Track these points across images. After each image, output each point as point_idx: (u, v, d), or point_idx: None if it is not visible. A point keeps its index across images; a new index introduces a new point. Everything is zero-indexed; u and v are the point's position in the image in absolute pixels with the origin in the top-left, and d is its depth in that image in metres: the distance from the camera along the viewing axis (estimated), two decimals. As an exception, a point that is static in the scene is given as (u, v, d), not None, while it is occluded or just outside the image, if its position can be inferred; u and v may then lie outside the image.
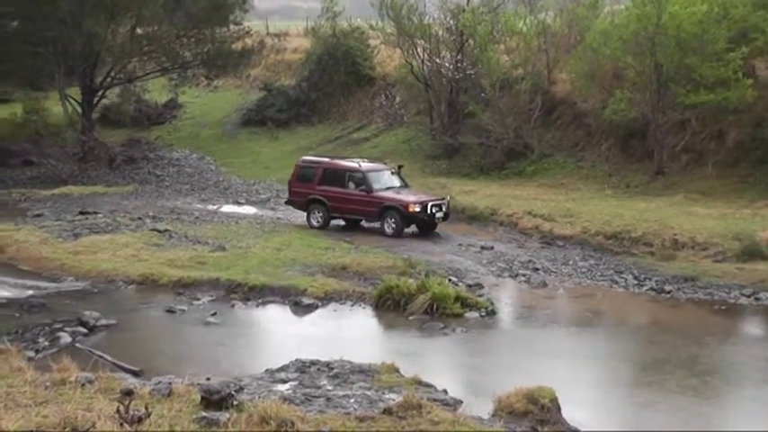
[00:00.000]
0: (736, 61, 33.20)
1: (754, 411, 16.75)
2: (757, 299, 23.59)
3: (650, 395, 17.56)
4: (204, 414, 11.27)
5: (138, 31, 46.63)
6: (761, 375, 18.68)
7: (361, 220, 31.68)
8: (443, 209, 30.62)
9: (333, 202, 31.27)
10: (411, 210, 30.01)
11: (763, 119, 34.46)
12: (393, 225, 30.24)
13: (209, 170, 44.07)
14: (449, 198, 31.49)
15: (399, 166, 33.52)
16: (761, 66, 36.09)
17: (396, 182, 32.02)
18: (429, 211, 30.17)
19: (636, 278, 25.71)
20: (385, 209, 30.38)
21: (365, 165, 32.25)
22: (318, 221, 31.54)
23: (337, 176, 31.58)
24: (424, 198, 30.71)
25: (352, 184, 31.16)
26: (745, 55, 33.59)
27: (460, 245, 29.00)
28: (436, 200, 30.77)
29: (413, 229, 30.68)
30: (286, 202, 33.56)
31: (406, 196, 30.64)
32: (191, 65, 48.03)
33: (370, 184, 30.99)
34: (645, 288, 24.97)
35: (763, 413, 16.57)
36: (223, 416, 11.24)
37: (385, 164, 34.19)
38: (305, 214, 32.16)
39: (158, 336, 21.05)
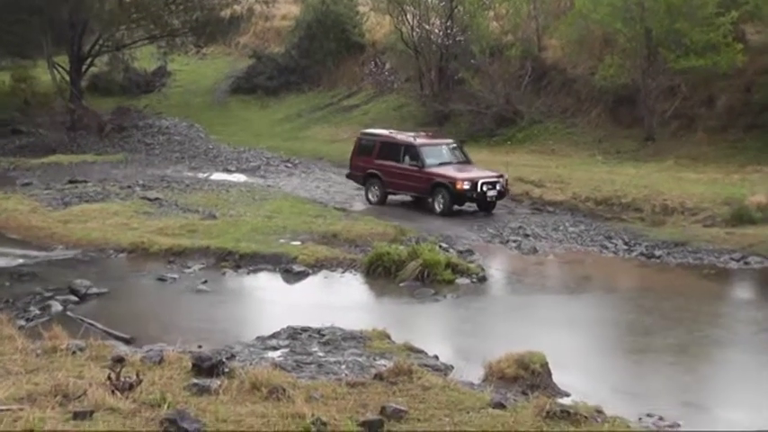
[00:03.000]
0: (725, 26, 33.14)
1: (740, 374, 16.84)
2: (746, 263, 23.68)
3: (640, 360, 17.65)
4: (195, 381, 11.28)
5: (126, -2, 46.35)
6: (749, 339, 18.78)
7: (419, 197, 29.99)
8: (497, 187, 28.88)
9: (388, 177, 30.11)
10: (459, 187, 28.44)
11: (752, 84, 34.46)
12: (441, 203, 28.93)
13: (199, 138, 43.92)
14: (506, 176, 29.63)
15: (462, 141, 32.06)
16: (750, 30, 36.03)
17: (456, 157, 30.45)
18: (480, 190, 28.53)
19: (626, 243, 25.78)
20: (435, 186, 28.97)
21: (420, 139, 30.67)
22: (376, 197, 30.48)
23: (393, 150, 30.28)
24: (475, 175, 28.96)
25: (407, 159, 29.78)
26: (735, 19, 33.53)
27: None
28: (489, 177, 28.98)
29: (474, 207, 29.34)
30: (347, 176, 32.23)
31: (458, 173, 28.98)
32: (179, 32, 47.72)
33: (423, 158, 29.45)
34: (635, 253, 25.04)
35: (748, 376, 16.66)
36: (214, 383, 11.25)
37: (450, 139, 32.46)
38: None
39: (149, 304, 21.04)
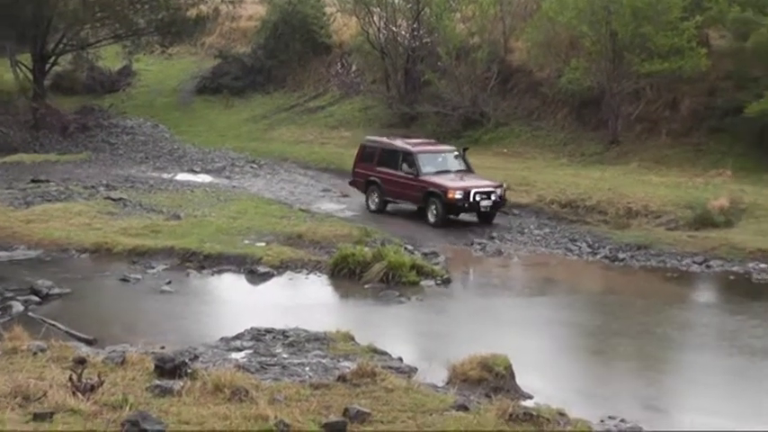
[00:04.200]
0: (690, 30, 33.38)
1: (702, 377, 16.99)
2: (708, 266, 23.87)
3: (603, 362, 17.75)
4: (158, 382, 11.22)
5: (91, -4, 45.95)
6: (710, 342, 18.95)
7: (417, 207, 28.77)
8: (493, 197, 27.69)
9: (386, 184, 29.22)
10: (451, 196, 27.36)
11: (716, 88, 34.73)
12: (434, 213, 27.88)
13: (164, 138, 43.67)
14: (504, 186, 28.48)
15: (464, 149, 30.48)
16: (714, 35, 36.32)
17: (457, 165, 29.30)
18: (472, 199, 27.42)
19: (590, 246, 25.91)
20: (428, 195, 27.95)
21: (418, 146, 29.75)
22: (375, 204, 29.61)
23: (392, 158, 29.34)
24: (469, 184, 27.77)
25: (405, 166, 28.77)
26: (699, 24, 33.77)
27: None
28: (484, 187, 27.84)
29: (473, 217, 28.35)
30: (349, 183, 31.21)
31: (451, 182, 27.91)
32: (145, 32, 47.36)
33: (419, 166, 28.43)
34: (599, 256, 25.18)
35: (709, 379, 16.80)
36: (177, 384, 11.20)
37: (454, 146, 31.29)
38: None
39: (112, 304, 20.93)
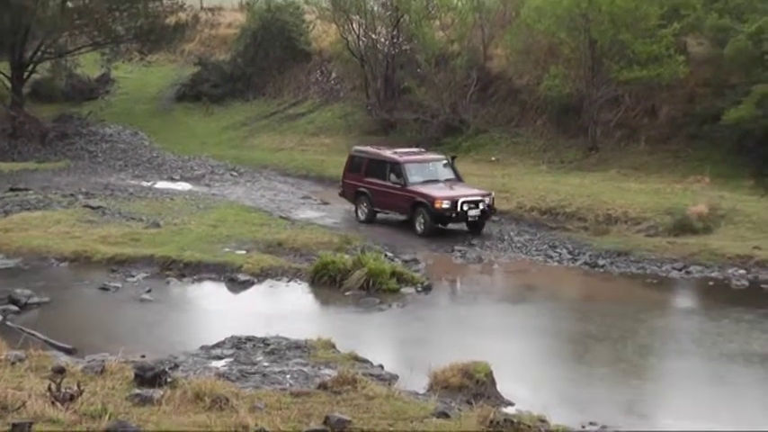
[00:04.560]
0: (668, 37, 33.52)
1: (682, 383, 17.07)
2: (688, 272, 23.96)
3: (584, 368, 17.78)
4: (138, 391, 11.17)
5: (69, 4, 45.70)
6: (690, 347, 19.01)
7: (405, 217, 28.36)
8: (481, 206, 27.38)
9: (375, 195, 28.88)
10: (438, 206, 26.98)
11: (694, 95, 34.89)
12: (422, 223, 27.47)
13: (143, 146, 43.55)
14: (492, 194, 28.13)
15: (453, 157, 30.18)
16: (692, 42, 36.49)
17: (446, 174, 28.91)
18: (459, 209, 27.05)
19: (570, 253, 25.97)
20: (416, 205, 27.58)
21: (405, 156, 29.20)
22: (364, 215, 29.21)
23: (380, 168, 28.99)
24: (456, 194, 27.42)
25: (393, 176, 28.39)
26: (677, 31, 33.92)
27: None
28: (472, 196, 27.55)
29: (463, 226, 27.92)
30: (339, 194, 30.81)
31: (438, 191, 27.52)
32: (123, 39, 47.22)
33: (407, 176, 28.05)
34: (579, 262, 25.24)
35: (689, 384, 16.89)
36: (157, 393, 11.15)
37: (443, 155, 30.92)
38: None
39: (92, 313, 20.82)
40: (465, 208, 27.13)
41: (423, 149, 31.90)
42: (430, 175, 28.64)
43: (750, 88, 30.95)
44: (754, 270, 23.71)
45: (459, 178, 28.98)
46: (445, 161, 29.51)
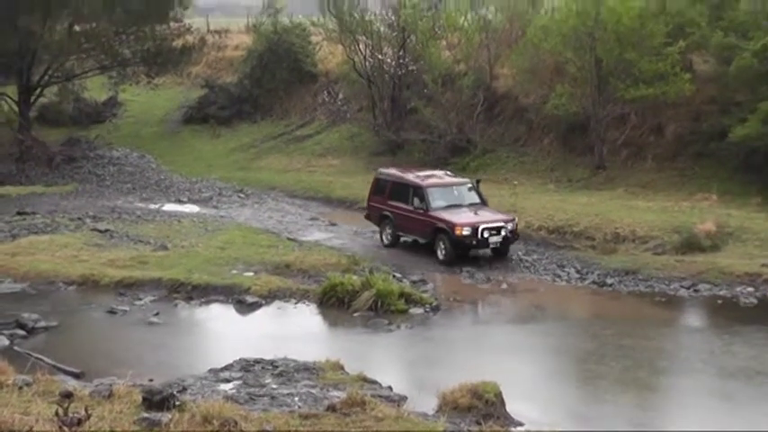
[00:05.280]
0: (673, 56, 33.55)
1: (690, 400, 17.01)
2: (696, 290, 23.88)
3: (593, 387, 17.72)
4: (146, 415, 11.16)
5: (76, 28, 45.94)
6: (699, 365, 18.94)
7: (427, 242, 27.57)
8: (503, 233, 26.63)
9: (398, 219, 28.27)
10: (459, 233, 26.24)
11: (700, 113, 34.87)
12: (443, 249, 26.76)
13: (151, 168, 43.66)
14: (516, 220, 27.49)
15: (477, 181, 29.25)
16: (698, 60, 36.50)
17: (470, 198, 28.15)
18: (480, 236, 26.37)
19: (578, 272, 25.91)
20: (437, 230, 26.87)
21: (428, 179, 28.52)
22: (388, 239, 28.70)
23: (403, 191, 28.32)
24: (477, 220, 26.64)
25: (416, 200, 27.67)
26: (683, 49, 33.96)
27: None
28: (494, 222, 26.73)
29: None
30: (365, 217, 30.28)
31: (460, 217, 26.77)
32: (130, 62, 47.41)
33: (429, 201, 27.37)
34: (587, 281, 25.18)
35: (697, 402, 16.83)
36: (165, 416, 11.13)
37: (468, 178, 30.00)
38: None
39: (100, 337, 20.82)
40: (486, 235, 26.45)
41: (449, 172, 30.99)
42: (454, 200, 27.91)
43: (756, 105, 30.91)
44: (763, 288, 23.62)
45: (483, 202, 28.21)
46: (470, 185, 28.68)
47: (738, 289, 23.66)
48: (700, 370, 18.71)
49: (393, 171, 30.22)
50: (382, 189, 29.25)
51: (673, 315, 22.88)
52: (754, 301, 23.03)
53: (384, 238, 28.89)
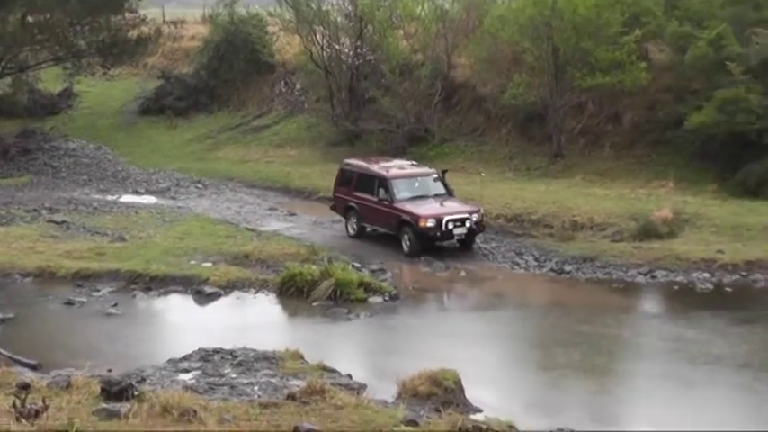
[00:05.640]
0: (629, 45, 33.74)
1: (648, 387, 17.17)
2: (653, 277, 24.09)
3: (552, 374, 17.84)
4: (104, 405, 11.10)
5: (30, 19, 45.41)
6: (656, 352, 19.14)
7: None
8: (467, 224, 26.25)
9: (363, 211, 27.90)
10: (423, 225, 25.92)
11: (656, 101, 35.12)
12: (408, 241, 26.32)
13: (107, 160, 43.26)
14: (481, 211, 27.11)
15: (444, 171, 28.81)
16: (654, 49, 36.73)
17: (436, 189, 27.75)
18: (444, 228, 26.06)
19: (536, 259, 26.03)
20: (401, 223, 26.50)
21: (393, 170, 28.12)
22: (354, 230, 28.22)
23: (368, 183, 27.91)
24: (442, 211, 26.31)
25: (381, 191, 27.28)
26: (639, 38, 34.15)
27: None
28: (458, 213, 26.39)
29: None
30: (330, 208, 29.79)
31: (424, 209, 26.44)
32: (85, 54, 46.84)
33: (393, 192, 26.98)
34: (545, 269, 25.30)
35: (654, 388, 16.98)
36: (124, 407, 11.08)
37: (434, 169, 29.42)
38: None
39: (57, 328, 20.66)
40: (450, 227, 26.10)
41: (415, 162, 30.81)
42: (420, 191, 27.57)
43: (711, 93, 31.16)
44: (719, 273, 23.89)
45: (449, 193, 27.80)
46: (436, 175, 28.33)
47: (695, 275, 23.91)
48: (657, 355, 18.92)
49: (359, 162, 29.84)
50: (348, 180, 28.92)
51: (630, 302, 23.09)
52: (710, 286, 23.29)
53: (349, 229, 28.60)
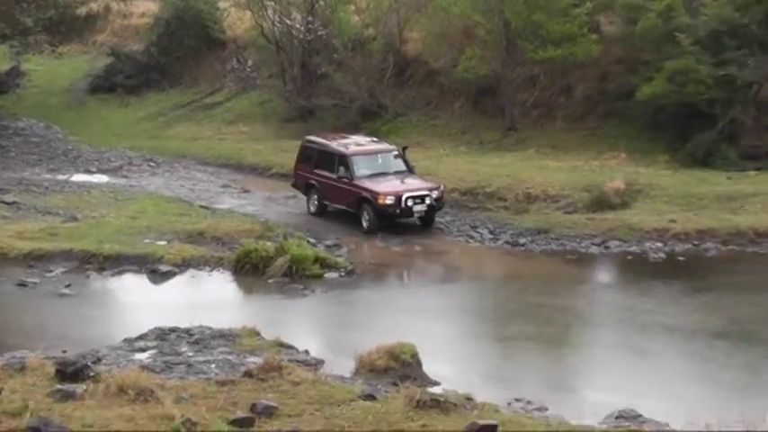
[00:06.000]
0: (581, 17, 33.86)
1: (602, 356, 17.37)
2: (606, 247, 24.30)
3: (508, 346, 17.97)
4: (59, 387, 11.03)
5: (-25, -4, 44.75)
6: (610, 321, 19.36)
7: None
8: (428, 201, 26.06)
9: (324, 188, 27.63)
10: (381, 202, 25.71)
11: (608, 73, 35.30)
12: (367, 219, 26.09)
13: (58, 139, 42.74)
14: (441, 188, 26.82)
15: (404, 148, 28.45)
16: (604, 21, 36.88)
17: (397, 166, 27.49)
18: (404, 205, 25.83)
19: (491, 232, 26.13)
20: (361, 200, 26.28)
21: (353, 147, 27.83)
22: (315, 207, 27.89)
23: (329, 160, 27.62)
24: (401, 188, 26.11)
25: (341, 169, 27.01)
26: (590, 11, 34.27)
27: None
28: (418, 190, 26.24)
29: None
30: (292, 185, 29.43)
31: (383, 186, 26.21)
32: (32, 31, 46.22)
33: (354, 169, 26.70)
34: (500, 242, 25.42)
35: (609, 357, 17.19)
36: (79, 388, 11.03)
37: (395, 146, 29.01)
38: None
39: (10, 310, 20.42)
40: (410, 204, 25.91)
41: (376, 139, 30.48)
42: (380, 168, 27.32)
43: (661, 64, 31.38)
44: (671, 243, 24.16)
45: (410, 170, 27.57)
46: (396, 152, 28.06)
47: (647, 245, 24.16)
48: (611, 325, 19.14)
49: (320, 139, 29.48)
50: (309, 157, 28.62)
51: (584, 272, 23.30)
52: (663, 256, 23.55)
53: (310, 206, 28.32)
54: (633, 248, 24.10)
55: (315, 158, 28.27)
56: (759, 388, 14.95)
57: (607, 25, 36.60)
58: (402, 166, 27.60)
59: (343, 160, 27.25)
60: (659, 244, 24.15)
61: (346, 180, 26.84)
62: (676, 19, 31.56)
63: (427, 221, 26.67)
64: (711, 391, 15.40)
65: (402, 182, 26.64)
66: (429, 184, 26.85)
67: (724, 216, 25.23)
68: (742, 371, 16.26)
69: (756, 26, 30.82)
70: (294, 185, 29.37)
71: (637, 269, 22.87)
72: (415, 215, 26.39)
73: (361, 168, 27.01)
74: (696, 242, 24.15)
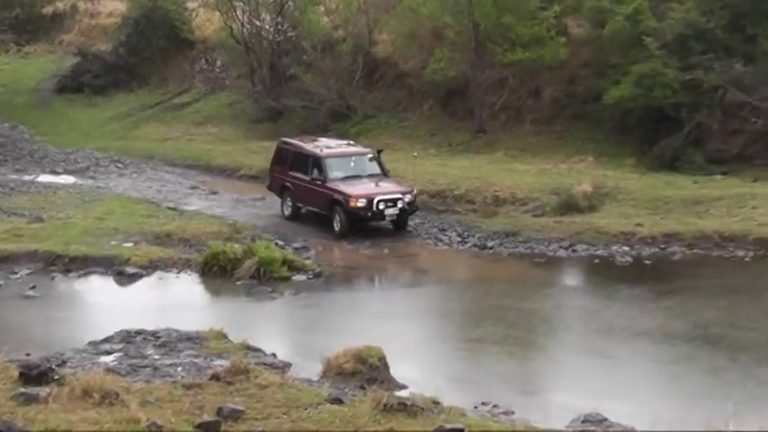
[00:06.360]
0: (549, 20, 34.01)
1: (568, 359, 17.43)
2: (574, 251, 24.39)
3: (475, 349, 18.00)
4: (23, 390, 10.93)
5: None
6: (576, 324, 19.44)
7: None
8: (400, 204, 26.01)
9: (298, 190, 27.55)
10: (353, 205, 25.64)
11: (575, 76, 35.45)
12: (339, 222, 25.99)
13: (23, 139, 42.40)
14: (414, 191, 26.78)
15: (379, 151, 28.30)
16: (572, 24, 37.03)
17: (371, 169, 27.37)
18: (375, 208, 25.78)
19: (459, 235, 26.17)
20: (333, 202, 26.22)
21: (327, 149, 27.75)
22: (289, 209, 27.87)
23: (303, 162, 27.49)
24: (373, 191, 26.01)
25: (315, 171, 26.90)
26: (558, 13, 34.40)
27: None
28: (390, 194, 26.14)
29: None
30: (267, 188, 29.45)
31: (355, 188, 26.09)
32: (-2, 30, 46.04)
33: (327, 171, 26.61)
34: (468, 245, 25.46)
35: (575, 360, 17.26)
36: (43, 391, 10.92)
37: (367, 149, 28.82)
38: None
39: (-27, 312, 20.24)
40: (381, 207, 25.82)
41: (352, 142, 30.37)
42: (354, 171, 27.20)
43: (629, 68, 31.56)
44: (638, 246, 24.28)
45: (384, 173, 27.48)
46: (371, 155, 27.93)
47: (615, 248, 24.26)
48: (578, 329, 19.22)
49: (295, 141, 29.34)
50: (284, 159, 28.48)
51: (552, 276, 23.39)
52: (630, 259, 23.67)
53: (285, 209, 28.18)
54: (600, 252, 24.21)
55: (290, 160, 28.17)
56: (723, 391, 15.04)
57: (575, 28, 36.77)
58: (377, 170, 27.49)
59: (316, 162, 27.14)
60: (626, 248, 24.26)
61: (319, 182, 26.72)
62: (644, 23, 31.74)
63: (399, 225, 26.61)
64: (676, 395, 15.51)
65: (375, 185, 26.53)
66: (402, 188, 26.79)
67: (690, 220, 25.38)
68: (706, 374, 16.38)
69: (721, 31, 31.03)
70: (269, 188, 29.28)
71: (604, 273, 22.98)
72: (387, 218, 26.33)
73: (334, 171, 26.93)
74: (662, 246, 24.28)
